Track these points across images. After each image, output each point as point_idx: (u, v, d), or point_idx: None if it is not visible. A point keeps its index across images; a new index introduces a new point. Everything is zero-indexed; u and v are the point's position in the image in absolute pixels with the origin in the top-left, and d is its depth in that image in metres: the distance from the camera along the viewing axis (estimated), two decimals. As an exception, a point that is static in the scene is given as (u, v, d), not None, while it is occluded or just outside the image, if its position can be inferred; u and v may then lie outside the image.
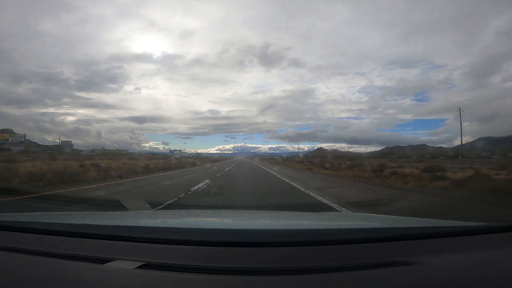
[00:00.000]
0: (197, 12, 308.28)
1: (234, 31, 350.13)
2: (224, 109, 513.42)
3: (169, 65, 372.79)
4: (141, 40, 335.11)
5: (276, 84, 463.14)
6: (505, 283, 1.10)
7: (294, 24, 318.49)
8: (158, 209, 5.50)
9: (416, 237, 1.48)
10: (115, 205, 4.65)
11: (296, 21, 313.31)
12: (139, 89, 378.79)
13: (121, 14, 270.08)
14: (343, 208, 6.50)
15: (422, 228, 1.82)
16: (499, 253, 1.35)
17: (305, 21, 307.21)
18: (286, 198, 8.68)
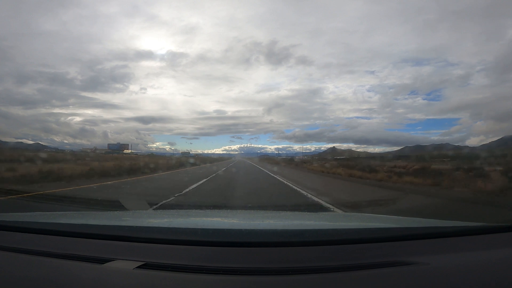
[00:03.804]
0: (203, 10, 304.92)
1: (241, 28, 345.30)
2: (230, 109, 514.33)
3: (174, 64, 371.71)
4: (147, 38, 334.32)
5: (283, 83, 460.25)
6: (504, 283, 1.10)
7: (302, 20, 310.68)
8: (157, 209, 5.50)
9: (416, 237, 1.49)
10: (115, 205, 4.58)
11: (304, 17, 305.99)
12: (144, 89, 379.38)
13: (126, 12, 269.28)
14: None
15: (422, 228, 1.82)
16: (499, 253, 1.35)
17: (314, 17, 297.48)
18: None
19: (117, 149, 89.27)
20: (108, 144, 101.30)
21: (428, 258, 1.22)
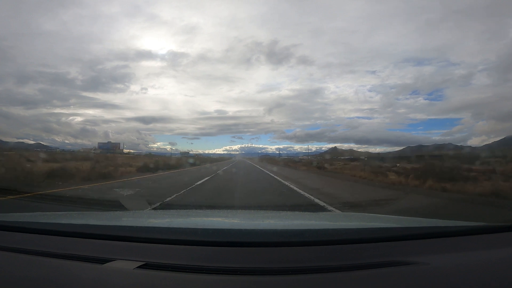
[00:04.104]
0: (204, 9, 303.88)
1: (241, 28, 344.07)
2: (231, 109, 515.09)
3: (175, 64, 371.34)
4: (147, 38, 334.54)
5: (284, 83, 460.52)
6: (505, 283, 1.10)
7: (303, 20, 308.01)
8: (158, 209, 5.50)
9: (416, 237, 1.49)
10: (115, 205, 4.58)
11: (305, 17, 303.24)
12: (145, 89, 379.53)
13: (127, 12, 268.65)
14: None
15: (422, 228, 1.82)
16: (499, 253, 1.35)
17: (315, 17, 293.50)
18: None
19: (108, 148, 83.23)
20: (98, 143, 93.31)
21: (428, 258, 1.22)
